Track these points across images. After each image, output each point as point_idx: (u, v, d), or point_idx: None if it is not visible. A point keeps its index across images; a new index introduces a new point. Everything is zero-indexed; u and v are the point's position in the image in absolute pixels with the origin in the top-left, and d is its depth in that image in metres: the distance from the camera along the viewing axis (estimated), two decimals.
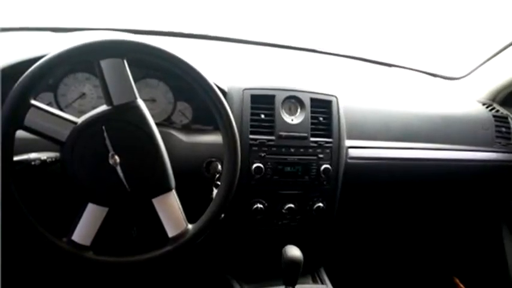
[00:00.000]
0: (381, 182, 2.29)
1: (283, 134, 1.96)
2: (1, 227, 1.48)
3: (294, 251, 1.80)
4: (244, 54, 2.64)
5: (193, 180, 1.83)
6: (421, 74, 3.00)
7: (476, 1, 3.06)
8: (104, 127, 1.45)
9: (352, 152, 2.14)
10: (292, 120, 1.98)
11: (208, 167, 1.86)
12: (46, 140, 1.45)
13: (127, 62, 1.49)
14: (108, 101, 1.48)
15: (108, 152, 1.45)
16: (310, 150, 2.00)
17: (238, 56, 2.55)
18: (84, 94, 1.92)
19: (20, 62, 1.67)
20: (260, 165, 1.93)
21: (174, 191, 1.57)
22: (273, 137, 1.95)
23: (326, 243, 2.25)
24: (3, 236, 1.54)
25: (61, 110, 1.86)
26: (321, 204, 2.06)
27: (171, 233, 1.57)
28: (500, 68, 2.64)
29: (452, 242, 3.02)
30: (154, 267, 2.35)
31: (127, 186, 1.49)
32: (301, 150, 1.99)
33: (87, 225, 1.49)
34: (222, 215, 1.62)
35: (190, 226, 1.59)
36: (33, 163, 1.48)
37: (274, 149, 1.96)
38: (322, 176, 2.02)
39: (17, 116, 1.38)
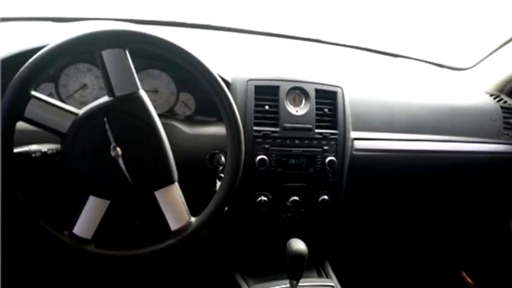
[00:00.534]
0: (386, 174, 2.29)
1: (288, 125, 1.95)
2: (1, 220, 1.48)
3: (298, 245, 1.80)
4: (248, 44, 2.63)
5: (196, 172, 1.83)
6: (427, 64, 2.99)
7: None
8: (105, 118, 1.45)
9: (358, 144, 2.14)
10: (296, 111, 1.98)
11: (211, 159, 1.86)
12: (47, 132, 1.44)
13: (129, 52, 1.48)
14: (110, 92, 1.48)
15: (109, 143, 1.45)
16: (315, 142, 2.00)
17: (242, 47, 2.54)
18: (85, 85, 1.91)
19: (20, 53, 1.66)
20: (264, 157, 1.93)
21: (176, 184, 1.57)
22: (277, 129, 1.95)
23: (331, 237, 2.24)
24: (3, 229, 1.54)
25: (62, 101, 1.85)
26: (326, 197, 2.06)
27: (173, 226, 1.56)
28: (508, 58, 2.63)
29: (459, 235, 3.02)
30: (157, 261, 2.35)
31: (129, 179, 1.48)
32: (306, 142, 1.99)
33: (88, 218, 1.49)
34: (226, 208, 1.62)
35: (193, 219, 1.59)
36: (33, 155, 1.48)
37: (279, 140, 1.95)
38: (327, 168, 2.02)
39: (17, 107, 1.38)
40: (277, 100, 1.96)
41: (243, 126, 1.64)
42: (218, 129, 1.86)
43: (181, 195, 1.58)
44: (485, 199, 2.80)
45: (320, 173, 2.03)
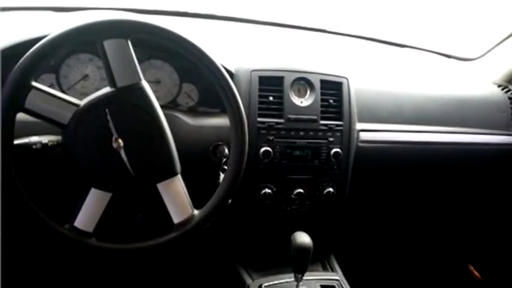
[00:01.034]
0: (392, 167, 2.28)
1: (292, 116, 1.95)
2: (1, 213, 1.48)
3: (303, 238, 1.80)
4: (252, 34, 2.62)
5: (200, 164, 1.83)
6: (434, 54, 2.98)
7: None
8: (107, 110, 1.44)
9: (364, 136, 2.13)
10: (301, 102, 1.97)
11: (215, 151, 1.85)
12: (47, 123, 1.44)
13: (131, 42, 1.48)
14: (112, 82, 1.47)
15: (111, 135, 1.44)
16: (320, 133, 1.99)
17: (246, 37, 2.54)
18: (86, 76, 1.91)
19: (21, 43, 1.66)
20: (268, 149, 1.92)
21: (179, 176, 1.56)
22: (281, 120, 1.95)
23: (336, 230, 2.24)
24: (3, 222, 1.54)
25: (63, 92, 1.86)
26: (331, 189, 2.06)
27: (176, 219, 1.56)
28: None
29: (466, 228, 3.01)
30: (159, 255, 2.35)
31: (131, 171, 1.48)
32: (311, 133, 1.98)
33: (89, 211, 1.49)
34: (229, 201, 1.61)
35: (196, 212, 1.58)
36: (34, 147, 1.47)
37: (283, 132, 1.95)
38: (333, 160, 2.01)
39: (17, 98, 1.37)
40: (281, 91, 1.96)
41: (247, 118, 1.63)
42: (221, 121, 1.86)
43: (184, 187, 1.57)
44: (493, 191, 2.79)
45: (325, 165, 2.03)
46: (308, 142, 1.98)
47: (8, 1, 2.14)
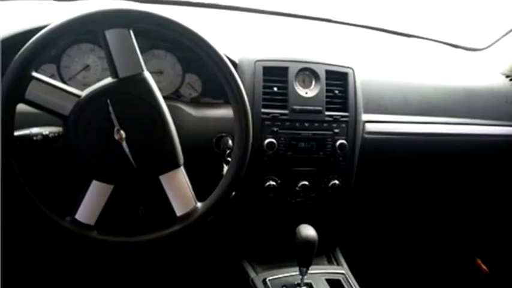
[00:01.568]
0: (399, 158, 2.28)
1: (297, 107, 1.94)
2: (1, 206, 1.48)
3: (308, 231, 1.80)
4: (256, 24, 2.62)
5: (203, 156, 1.83)
6: (441, 44, 2.97)
7: None
8: (108, 101, 1.44)
9: (369, 127, 2.12)
10: (306, 93, 1.97)
11: (218, 143, 1.85)
12: (48, 114, 1.43)
13: (133, 32, 1.47)
14: (114, 73, 1.47)
15: (113, 126, 1.44)
16: (325, 124, 1.99)
17: (250, 26, 2.53)
18: (88, 66, 1.90)
19: (21, 33, 1.66)
20: (273, 140, 1.92)
21: (182, 168, 1.56)
22: (286, 111, 1.94)
23: (342, 223, 2.24)
24: (3, 215, 1.54)
25: (64, 82, 1.85)
26: (336, 182, 2.05)
27: (179, 211, 1.56)
28: None
29: (474, 221, 3.01)
30: (162, 248, 2.35)
31: (133, 163, 1.48)
32: (316, 124, 1.98)
33: (91, 204, 1.49)
34: (233, 193, 1.61)
35: (199, 204, 1.59)
36: (34, 138, 1.47)
37: (288, 123, 1.95)
38: (338, 151, 2.01)
39: (17, 89, 1.37)
40: (286, 81, 1.95)
41: (251, 109, 1.63)
42: (225, 112, 1.85)
43: (187, 179, 1.57)
44: (501, 184, 2.79)
45: (330, 156, 2.02)
46: (313, 133, 1.97)
47: None
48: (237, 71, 1.59)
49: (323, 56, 2.05)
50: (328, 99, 1.99)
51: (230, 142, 1.83)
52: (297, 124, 1.96)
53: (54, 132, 1.50)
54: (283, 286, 1.97)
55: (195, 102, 1.97)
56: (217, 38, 1.60)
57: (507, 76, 2.61)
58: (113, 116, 1.44)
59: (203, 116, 1.86)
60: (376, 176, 2.32)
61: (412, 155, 2.28)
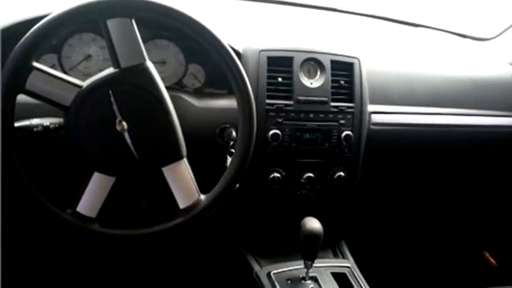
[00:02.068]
0: (405, 150, 2.28)
1: (302, 98, 1.94)
2: (1, 198, 1.48)
3: (313, 223, 1.80)
4: (260, 13, 2.61)
5: (206, 147, 1.82)
6: (449, 34, 2.97)
7: None
8: (110, 91, 1.44)
9: (375, 118, 2.12)
10: (311, 83, 1.96)
11: (222, 134, 1.85)
12: (49, 105, 1.43)
13: (135, 21, 1.47)
14: (115, 63, 1.47)
15: (115, 117, 1.44)
16: (331, 115, 1.98)
17: (254, 16, 2.53)
18: (89, 56, 1.90)
19: (22, 22, 1.66)
20: (277, 131, 1.91)
21: (185, 159, 1.56)
22: (291, 102, 1.93)
23: (347, 215, 2.24)
24: (3, 207, 1.54)
25: (65, 72, 1.85)
26: (342, 174, 2.05)
27: (182, 204, 1.56)
28: None
29: (482, 214, 3.00)
30: (164, 241, 2.35)
31: (135, 154, 1.48)
32: (321, 115, 1.97)
33: (93, 196, 1.49)
34: (237, 185, 1.61)
35: (202, 197, 1.59)
36: (35, 129, 1.47)
37: (293, 114, 1.94)
38: (344, 143, 2.00)
39: (18, 79, 1.37)
40: (291, 72, 1.94)
41: (255, 99, 1.63)
42: (229, 102, 1.85)
43: (190, 171, 1.57)
44: (510, 176, 2.78)
45: (336, 148, 2.02)
46: (318, 125, 1.97)
47: None
48: (240, 61, 1.59)
49: (328, 45, 2.04)
50: (333, 90, 1.98)
51: (234, 133, 1.83)
52: (302, 115, 1.95)
53: (55, 123, 1.50)
54: (287, 280, 1.97)
55: (198, 93, 1.97)
56: (220, 28, 1.60)
57: None
58: (114, 106, 1.44)
59: (206, 107, 1.86)
60: (382, 167, 2.32)
61: (419, 147, 2.28)
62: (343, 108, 1.99)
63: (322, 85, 1.96)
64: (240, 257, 2.15)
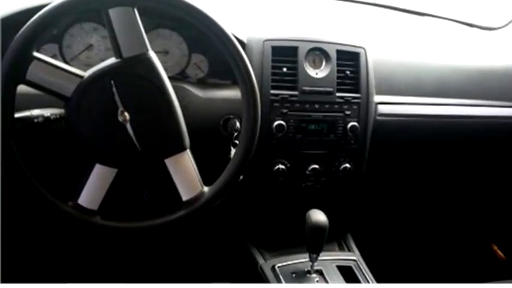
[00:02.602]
0: (412, 141, 2.27)
1: (307, 88, 1.93)
2: (1, 190, 1.48)
3: (318, 216, 1.80)
4: (265, 2, 2.60)
5: (210, 139, 1.82)
6: (455, 23, 2.95)
7: None
8: (112, 81, 1.44)
9: (382, 109, 2.11)
10: (316, 74, 1.96)
11: (225, 125, 1.84)
12: (50, 96, 1.43)
13: (137, 10, 1.46)
14: (117, 53, 1.46)
15: (117, 108, 1.44)
16: (336, 106, 1.98)
17: (258, 5, 2.52)
18: (91, 46, 1.90)
19: (22, 11, 1.65)
20: (282, 122, 1.91)
21: (188, 151, 1.56)
22: (296, 92, 1.93)
23: (353, 207, 2.24)
24: (3, 199, 1.53)
25: (66, 62, 1.84)
26: (347, 165, 2.04)
27: (185, 196, 1.56)
28: None
29: (490, 207, 2.99)
30: (167, 233, 2.35)
31: (138, 146, 1.47)
32: (327, 106, 1.97)
33: (94, 188, 1.49)
34: (241, 177, 1.61)
35: (206, 189, 1.58)
36: (35, 120, 1.47)
37: (297, 105, 1.93)
38: (349, 134, 2.00)
39: (18, 69, 1.37)
40: (295, 62, 1.94)
41: (260, 90, 1.62)
42: (233, 93, 1.84)
43: (194, 163, 1.57)
44: None
45: (341, 139, 2.01)
46: (324, 115, 1.96)
47: None
48: (245, 51, 1.58)
49: (334, 35, 2.04)
50: (339, 80, 1.98)
51: (238, 124, 1.82)
52: (307, 106, 1.94)
53: (55, 114, 1.49)
54: (292, 273, 1.97)
55: (201, 83, 1.96)
56: (224, 17, 1.59)
57: None
58: (116, 97, 1.43)
59: (210, 97, 1.85)
60: (388, 159, 2.31)
61: (426, 138, 2.27)
62: (348, 98, 1.99)
63: (328, 75, 1.96)
64: (244, 250, 2.15)
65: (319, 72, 1.96)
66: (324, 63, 1.98)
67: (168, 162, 1.53)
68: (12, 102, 1.37)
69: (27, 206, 1.80)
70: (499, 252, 2.99)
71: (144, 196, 2.08)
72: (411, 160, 2.40)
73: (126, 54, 1.46)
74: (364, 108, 2.02)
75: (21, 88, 1.38)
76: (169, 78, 1.53)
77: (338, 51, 1.98)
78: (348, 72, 2.00)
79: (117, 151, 1.49)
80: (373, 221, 2.77)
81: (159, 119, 1.50)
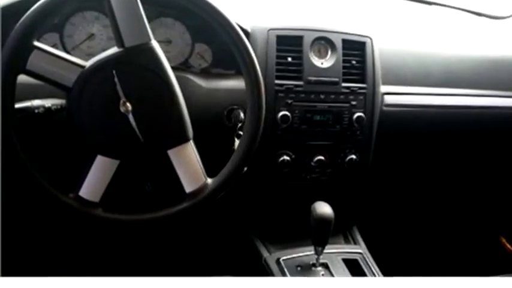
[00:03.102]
0: (419, 132, 2.26)
1: (312, 78, 1.93)
2: (1, 182, 1.48)
3: (324, 208, 1.80)
4: None
5: (213, 130, 1.82)
6: (463, 12, 2.95)
7: None
8: (114, 71, 1.43)
9: (388, 99, 2.11)
10: (322, 63, 1.95)
11: (229, 116, 1.84)
12: (51, 86, 1.43)
13: None
14: (119, 42, 1.45)
15: (119, 98, 1.43)
16: (342, 96, 1.97)
17: None
18: (92, 35, 1.89)
19: (22, 0, 1.64)
20: (287, 113, 1.90)
21: (191, 142, 1.55)
22: (301, 82, 1.92)
23: (359, 200, 2.24)
24: (3, 191, 1.53)
25: (67, 52, 1.85)
26: (353, 156, 2.04)
27: (188, 188, 1.55)
28: None
29: (499, 199, 2.99)
30: (170, 226, 2.35)
31: (140, 136, 1.47)
32: (332, 96, 1.96)
33: (95, 180, 1.48)
34: (245, 168, 1.60)
35: (209, 180, 1.58)
36: (36, 111, 1.47)
37: (302, 95, 1.93)
38: (355, 125, 1.99)
39: (18, 59, 1.37)
40: (300, 51, 1.93)
41: (264, 80, 1.62)
42: (237, 83, 1.84)
43: (197, 154, 1.56)
44: None
45: (347, 130, 2.01)
46: (329, 106, 1.96)
47: None
48: (249, 40, 1.58)
49: (340, 24, 2.04)
50: (345, 70, 1.97)
51: (242, 115, 1.82)
52: (312, 96, 1.94)
53: (56, 105, 1.50)
54: (297, 266, 1.96)
55: (205, 73, 1.96)
56: (228, 6, 1.58)
57: None
58: (118, 87, 1.43)
59: (213, 88, 1.85)
60: (395, 150, 2.31)
61: (434, 129, 2.27)
62: (354, 89, 1.98)
63: (333, 65, 1.95)
64: (249, 242, 2.15)
65: (325, 62, 1.95)
66: (329, 52, 1.97)
67: (171, 153, 1.53)
68: (12, 93, 1.36)
69: (27, 197, 1.80)
70: (508, 245, 2.99)
71: (147, 188, 2.08)
72: (418, 151, 2.40)
73: (128, 43, 1.45)
74: (370, 98, 2.02)
75: (22, 78, 1.38)
76: (172, 68, 1.52)
77: (344, 41, 1.98)
78: (354, 62, 1.99)
79: (119, 142, 1.48)
80: (379, 213, 2.77)
81: (162, 109, 1.49)
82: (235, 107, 1.83)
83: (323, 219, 1.77)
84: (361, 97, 2.00)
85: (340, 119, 1.98)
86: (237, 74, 1.89)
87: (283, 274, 1.94)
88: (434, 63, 2.26)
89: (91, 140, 1.47)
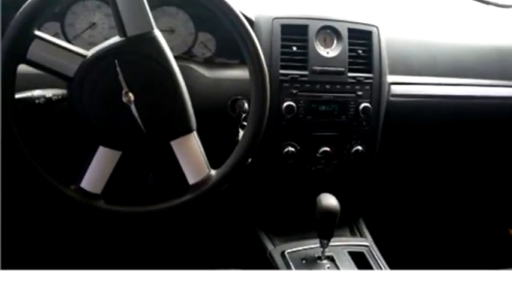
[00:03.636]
0: (426, 123, 2.26)
1: (318, 68, 1.92)
2: (1, 173, 1.47)
3: (329, 200, 1.80)
4: None
5: (217, 120, 1.82)
6: (471, 1, 2.94)
7: None
8: (116, 61, 1.42)
9: (395, 89, 2.10)
10: (327, 53, 1.95)
11: (233, 106, 1.84)
12: (52, 76, 1.42)
13: None
14: (121, 31, 1.45)
15: (121, 88, 1.42)
16: (348, 86, 1.97)
17: None
18: (94, 24, 1.89)
19: None
20: (291, 103, 1.90)
21: (195, 133, 1.55)
22: (306, 72, 1.92)
23: (365, 191, 2.23)
24: (3, 183, 1.53)
25: (69, 41, 1.84)
26: (359, 148, 2.04)
27: (191, 179, 1.55)
28: None
29: (507, 190, 2.99)
30: (173, 218, 2.35)
31: (142, 127, 1.46)
32: (338, 86, 1.96)
33: (97, 171, 1.48)
34: (249, 160, 1.60)
35: (213, 172, 1.57)
36: (37, 101, 1.46)
37: (308, 85, 1.93)
38: (361, 115, 1.99)
39: (19, 48, 1.36)
40: (306, 41, 1.93)
41: (268, 70, 1.61)
42: (241, 73, 1.83)
43: (200, 145, 1.56)
44: None
45: (353, 121, 2.01)
46: (335, 96, 1.96)
47: None
48: (253, 29, 1.56)
49: (345, 13, 2.03)
50: (351, 60, 1.97)
51: (246, 105, 1.82)
52: (318, 86, 1.94)
53: (57, 95, 1.49)
54: (302, 259, 1.96)
55: (208, 63, 1.96)
56: None
57: None
58: (120, 77, 1.42)
59: (217, 77, 1.85)
60: (401, 141, 2.31)
61: (441, 119, 2.26)
62: (360, 79, 1.98)
63: (339, 55, 1.95)
64: (253, 235, 2.15)
65: (330, 52, 1.95)
66: (335, 42, 1.97)
67: (174, 144, 1.52)
68: (12, 83, 1.36)
69: (28, 189, 1.80)
70: None
71: (150, 179, 2.08)
72: (425, 142, 2.40)
73: (130, 32, 1.44)
74: (376, 88, 2.01)
75: (22, 68, 1.37)
76: (175, 57, 1.51)
77: (350, 30, 1.97)
78: (360, 51, 1.99)
79: (121, 133, 1.48)
80: (385, 205, 2.77)
81: (165, 99, 1.49)
82: (239, 97, 1.83)
83: (329, 212, 1.77)
84: (367, 87, 1.99)
85: (346, 109, 1.98)
86: (241, 63, 1.88)
87: (288, 267, 1.94)
88: (441, 52, 2.25)
89: (93, 130, 1.46)
